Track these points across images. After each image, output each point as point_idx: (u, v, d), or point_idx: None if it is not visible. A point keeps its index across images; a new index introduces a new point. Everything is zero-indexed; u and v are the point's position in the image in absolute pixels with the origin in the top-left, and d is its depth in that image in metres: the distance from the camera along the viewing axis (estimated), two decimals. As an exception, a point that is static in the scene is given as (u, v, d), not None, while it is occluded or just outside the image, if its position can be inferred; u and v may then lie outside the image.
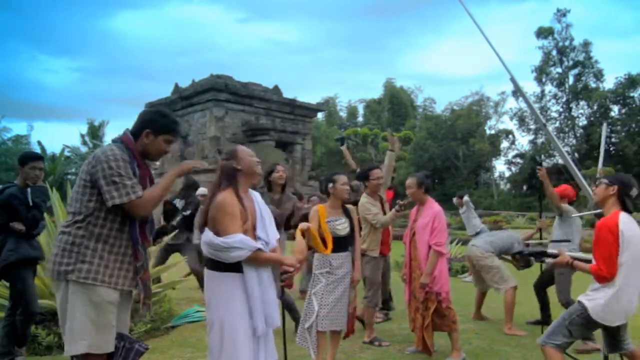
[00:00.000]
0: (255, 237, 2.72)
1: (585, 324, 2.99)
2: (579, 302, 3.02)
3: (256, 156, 2.85)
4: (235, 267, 2.62)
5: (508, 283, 5.25)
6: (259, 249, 2.61)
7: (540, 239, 5.31)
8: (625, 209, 3.05)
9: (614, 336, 3.08)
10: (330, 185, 3.91)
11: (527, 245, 4.74)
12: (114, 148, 2.48)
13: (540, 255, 3.33)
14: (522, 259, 5.43)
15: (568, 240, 4.66)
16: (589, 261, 3.09)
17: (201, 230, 2.72)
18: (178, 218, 6.30)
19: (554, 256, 3.19)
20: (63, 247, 2.42)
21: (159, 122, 2.59)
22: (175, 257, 6.38)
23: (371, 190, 4.76)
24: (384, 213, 4.74)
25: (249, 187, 2.86)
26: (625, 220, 2.97)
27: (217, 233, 2.60)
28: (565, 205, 5.06)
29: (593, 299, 2.96)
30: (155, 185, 2.57)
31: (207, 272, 2.74)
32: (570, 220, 4.98)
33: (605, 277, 2.91)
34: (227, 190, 2.65)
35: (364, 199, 4.73)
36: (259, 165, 2.82)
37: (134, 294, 2.66)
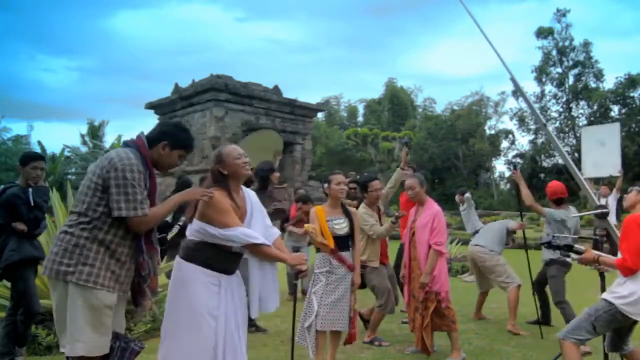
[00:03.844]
0: None
1: (611, 320, 3.06)
2: (605, 299, 3.09)
3: (241, 156, 2.82)
4: (201, 262, 2.67)
5: (513, 281, 5.31)
6: (257, 244, 2.66)
7: (525, 240, 5.37)
8: None
9: (622, 336, 3.15)
10: (326, 185, 3.93)
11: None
12: (131, 156, 2.46)
13: (567, 250, 3.34)
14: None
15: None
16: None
17: (190, 222, 2.77)
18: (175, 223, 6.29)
19: (580, 252, 3.24)
20: (65, 247, 2.41)
21: (178, 137, 2.62)
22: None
23: (369, 201, 4.73)
24: (381, 224, 4.73)
25: (241, 185, 2.90)
26: None
27: (218, 227, 2.65)
28: (547, 210, 5.04)
29: (620, 295, 3.02)
30: (160, 205, 2.57)
31: (176, 259, 2.77)
32: (553, 225, 4.94)
33: (630, 268, 2.98)
34: (218, 190, 2.71)
35: (362, 209, 4.69)
36: (246, 166, 2.83)
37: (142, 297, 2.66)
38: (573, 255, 3.33)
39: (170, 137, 2.59)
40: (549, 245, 3.51)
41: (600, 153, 4.79)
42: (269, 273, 2.83)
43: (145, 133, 2.65)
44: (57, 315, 2.45)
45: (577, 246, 3.31)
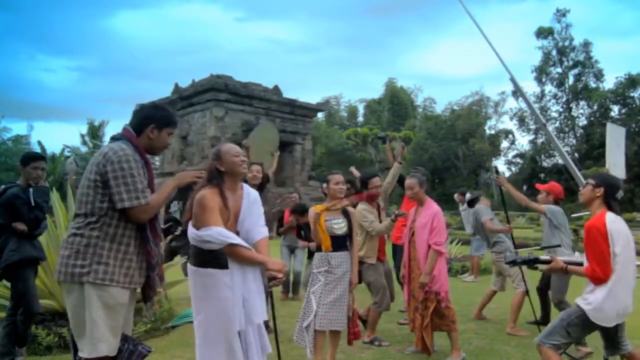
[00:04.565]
0: (236, 233, 2.79)
1: (583, 326, 3.00)
2: (577, 304, 3.03)
3: (239, 154, 2.84)
4: (217, 264, 2.68)
5: (521, 286, 5.36)
6: (232, 244, 2.62)
7: (514, 242, 5.41)
8: (610, 209, 3.06)
9: (612, 338, 3.09)
10: (324, 185, 3.94)
11: (517, 252, 4.74)
12: (125, 147, 2.46)
13: (533, 263, 3.31)
14: None
15: (559, 245, 4.63)
16: (582, 264, 3.10)
17: (187, 226, 2.79)
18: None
19: (547, 262, 3.19)
20: (77, 248, 2.39)
21: (161, 116, 2.63)
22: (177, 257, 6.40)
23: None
24: (380, 221, 4.73)
25: (238, 184, 2.90)
26: (612, 219, 2.99)
27: (196, 226, 2.68)
28: (546, 207, 5.06)
29: (588, 302, 2.96)
30: (158, 193, 2.57)
31: (189, 268, 2.80)
32: (558, 220, 4.96)
33: (600, 278, 2.92)
34: (210, 188, 2.72)
35: (361, 205, 4.71)
36: (244, 165, 2.83)
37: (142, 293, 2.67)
38: (540, 266, 3.29)
39: (154, 119, 2.59)
40: (514, 263, 3.48)
41: (617, 154, 4.80)
42: (251, 282, 2.73)
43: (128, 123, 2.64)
44: (75, 320, 2.43)
45: (542, 257, 3.27)
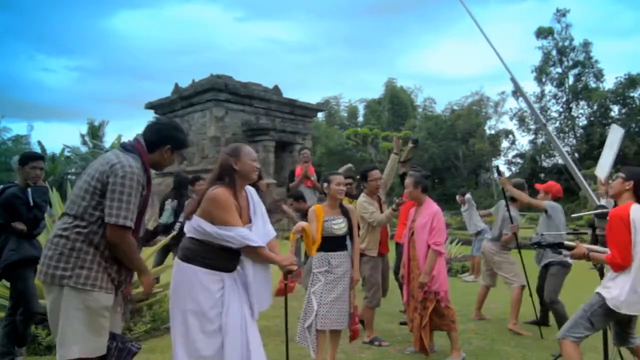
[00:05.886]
0: None
1: (606, 314, 3.06)
2: (598, 293, 3.09)
3: (256, 160, 2.87)
4: (202, 263, 2.66)
5: (517, 281, 5.35)
6: (252, 246, 2.64)
7: (517, 242, 5.38)
8: (638, 202, 3.11)
9: (624, 329, 3.16)
10: (325, 185, 3.94)
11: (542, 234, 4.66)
12: (134, 165, 2.44)
13: (557, 247, 3.34)
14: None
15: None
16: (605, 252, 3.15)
17: (189, 218, 2.75)
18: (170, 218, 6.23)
19: (571, 248, 3.23)
20: (60, 251, 2.38)
21: (179, 139, 2.65)
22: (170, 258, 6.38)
23: (369, 191, 4.79)
24: (382, 212, 4.75)
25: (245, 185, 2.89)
26: (636, 209, 3.04)
27: (213, 223, 2.64)
28: (548, 202, 5.08)
29: (609, 288, 3.02)
30: (138, 255, 2.57)
31: (177, 262, 2.76)
32: (557, 218, 4.99)
33: (620, 264, 2.97)
34: (223, 186, 2.70)
35: (362, 198, 4.75)
36: (256, 172, 2.86)
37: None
38: (564, 251, 3.34)
39: (173, 141, 2.61)
40: (539, 245, 3.51)
41: (607, 154, 4.74)
42: (261, 271, 2.81)
43: (141, 134, 2.63)
44: (52, 319, 2.43)
45: (567, 242, 3.31)
